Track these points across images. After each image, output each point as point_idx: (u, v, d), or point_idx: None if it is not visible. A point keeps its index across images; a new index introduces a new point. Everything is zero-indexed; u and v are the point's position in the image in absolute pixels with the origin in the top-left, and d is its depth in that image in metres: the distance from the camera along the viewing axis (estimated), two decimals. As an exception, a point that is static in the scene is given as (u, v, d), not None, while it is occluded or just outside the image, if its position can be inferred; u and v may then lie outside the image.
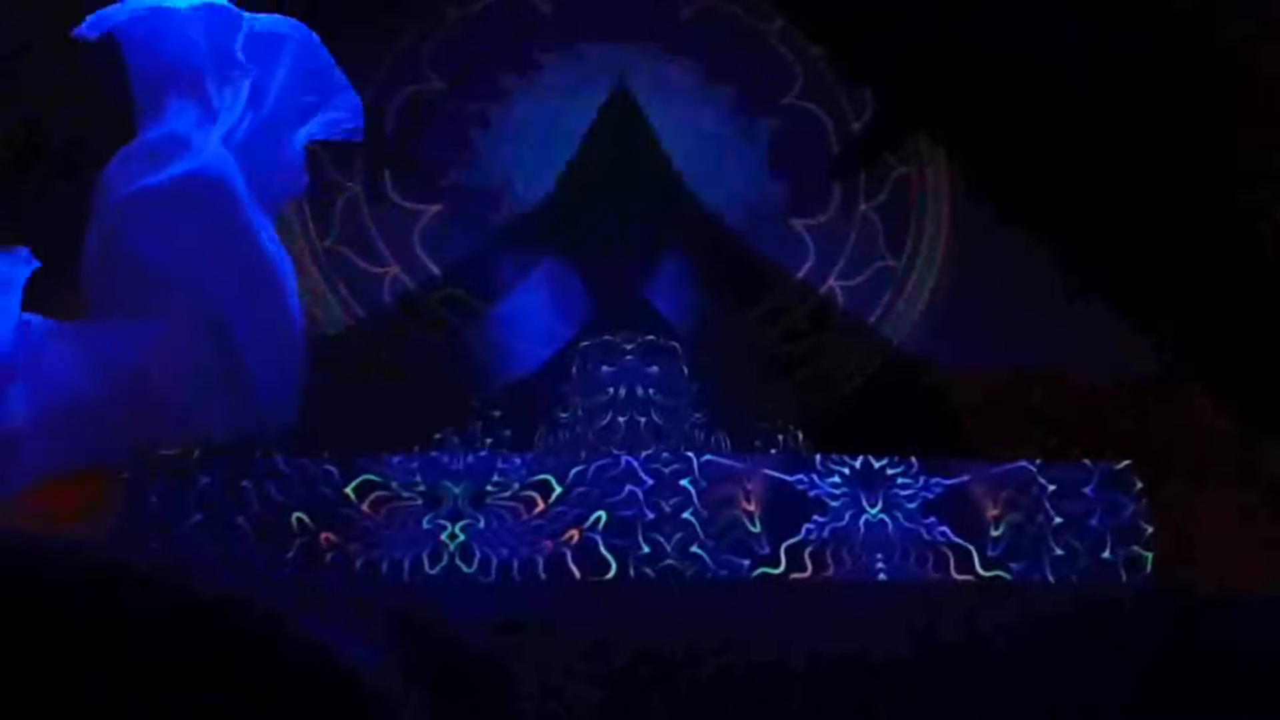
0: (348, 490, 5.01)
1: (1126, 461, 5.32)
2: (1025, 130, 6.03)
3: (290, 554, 4.80)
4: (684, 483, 5.12)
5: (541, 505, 5.02)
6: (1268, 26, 5.42)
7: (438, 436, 5.54)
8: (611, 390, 5.81)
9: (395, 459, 5.11)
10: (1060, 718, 2.47)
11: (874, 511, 5.16)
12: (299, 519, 4.91)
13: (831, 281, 6.52)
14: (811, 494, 5.16)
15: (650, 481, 5.11)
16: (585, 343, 6.01)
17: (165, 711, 1.89)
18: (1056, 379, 6.07)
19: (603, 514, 5.01)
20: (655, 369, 5.91)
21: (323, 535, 4.90)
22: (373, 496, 5.02)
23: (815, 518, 5.10)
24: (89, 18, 3.84)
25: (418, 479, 5.08)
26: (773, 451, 5.57)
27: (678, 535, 5.02)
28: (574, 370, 5.93)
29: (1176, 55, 5.61)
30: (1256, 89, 5.53)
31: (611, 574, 4.87)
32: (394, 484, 5.03)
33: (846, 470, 5.21)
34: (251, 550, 4.72)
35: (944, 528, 5.12)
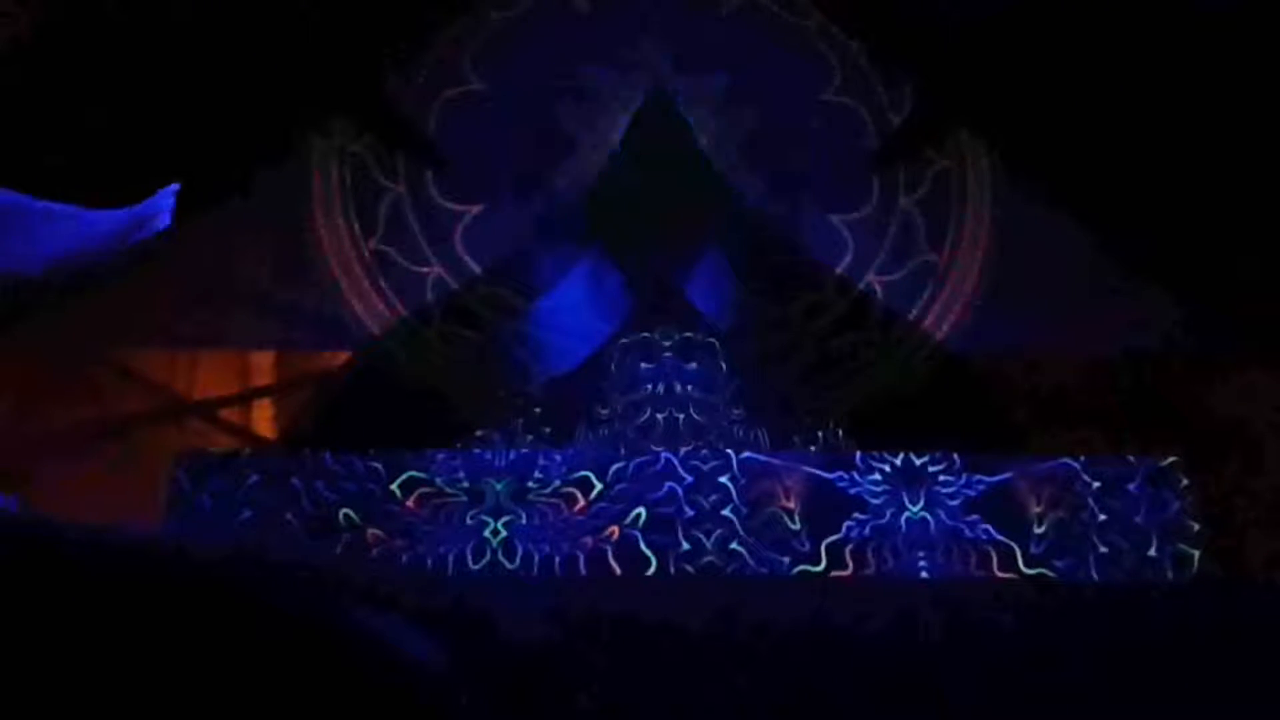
0: (393, 487, 5.12)
1: (1172, 458, 5.25)
2: (1066, 121, 5.95)
3: (338, 549, 4.92)
4: (723, 479, 5.16)
5: (582, 502, 5.09)
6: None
7: (480, 433, 5.62)
8: (650, 387, 5.85)
9: (439, 455, 5.21)
10: (1109, 711, 2.47)
11: (916, 509, 5.16)
12: (346, 515, 5.04)
13: (871, 276, 6.48)
14: (852, 492, 5.17)
15: (690, 478, 5.16)
16: (624, 340, 6.06)
17: (215, 697, 1.95)
18: (1101, 371, 6.00)
19: (643, 510, 5.07)
20: (694, 365, 5.94)
21: (369, 531, 5.02)
22: (417, 493, 5.12)
23: (856, 515, 5.12)
24: None
25: (461, 475, 5.18)
26: (812, 448, 5.57)
27: (717, 532, 5.07)
28: (613, 367, 5.97)
29: (1212, 49, 5.52)
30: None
31: (652, 570, 4.93)
32: (438, 480, 5.14)
33: (887, 468, 5.21)
34: (300, 546, 4.85)
35: (987, 526, 5.10)
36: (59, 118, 5.37)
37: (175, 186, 4.05)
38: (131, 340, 5.91)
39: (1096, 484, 5.14)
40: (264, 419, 6.54)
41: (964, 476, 5.15)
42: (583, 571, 4.87)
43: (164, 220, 3.98)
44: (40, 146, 5.01)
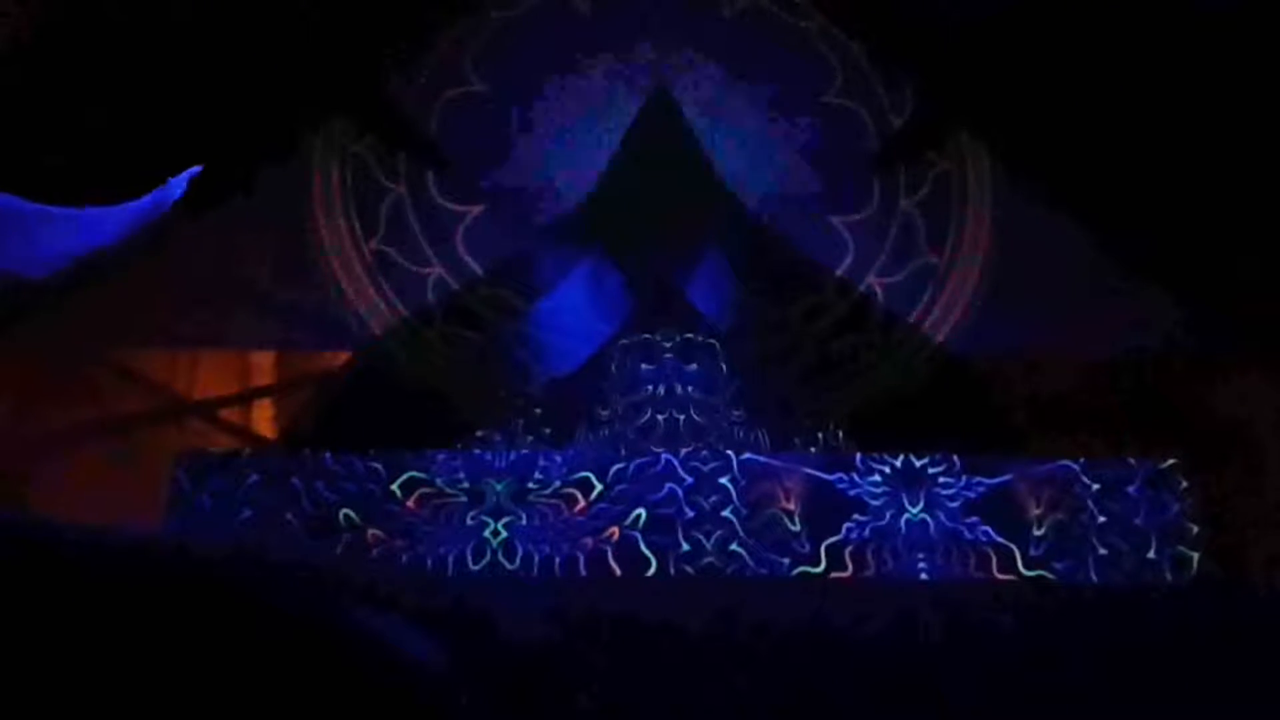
0: (393, 487, 5.12)
1: (1172, 460, 5.27)
2: (1065, 122, 5.95)
3: (338, 549, 4.93)
4: (723, 481, 5.16)
5: (582, 502, 5.09)
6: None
7: (480, 434, 5.62)
8: (651, 388, 5.85)
9: (439, 456, 5.22)
10: (1109, 711, 2.47)
11: (915, 511, 5.16)
12: (346, 515, 5.04)
13: (872, 278, 6.49)
14: (852, 493, 5.18)
15: (690, 479, 5.16)
16: (625, 341, 6.06)
17: (215, 697, 1.95)
18: (1101, 372, 6.00)
19: (643, 511, 5.08)
20: (694, 366, 5.94)
21: (369, 531, 5.03)
22: (418, 493, 5.13)
23: (856, 517, 5.13)
24: None
25: (461, 476, 5.18)
26: (812, 450, 5.58)
27: (717, 533, 5.07)
28: (614, 368, 5.98)
29: (1212, 49, 5.53)
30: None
31: (652, 571, 4.94)
32: (438, 481, 5.14)
33: (887, 469, 5.22)
34: (300, 546, 4.85)
35: (986, 528, 5.11)
36: (59, 118, 5.37)
37: (195, 170, 4.09)
38: (131, 340, 5.92)
39: (1096, 486, 5.15)
40: (264, 419, 6.55)
41: (964, 478, 5.16)
42: (583, 572, 4.88)
43: (176, 192, 4.02)
44: (40, 146, 5.01)
